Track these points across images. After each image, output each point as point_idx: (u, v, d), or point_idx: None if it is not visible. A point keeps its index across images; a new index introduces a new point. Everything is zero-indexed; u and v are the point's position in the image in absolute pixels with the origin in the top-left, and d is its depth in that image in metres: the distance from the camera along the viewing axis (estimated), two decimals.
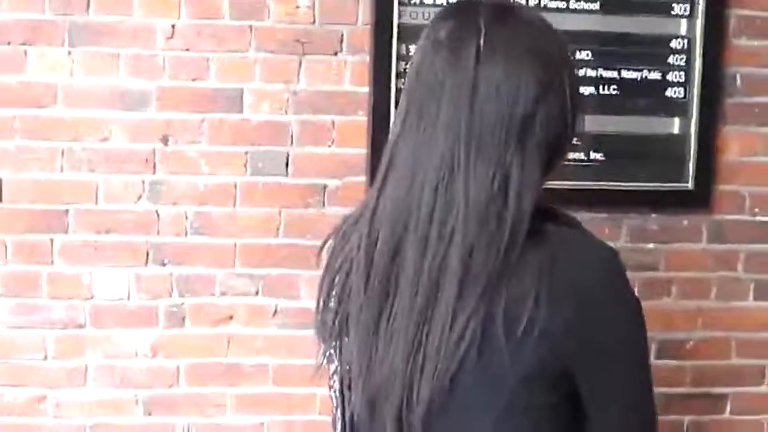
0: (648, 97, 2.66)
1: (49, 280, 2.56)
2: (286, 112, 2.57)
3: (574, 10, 2.60)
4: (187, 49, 2.53)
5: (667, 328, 2.74)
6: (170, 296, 2.59)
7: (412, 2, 2.55)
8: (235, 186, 2.58)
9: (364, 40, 2.56)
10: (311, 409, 2.65)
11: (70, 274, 2.56)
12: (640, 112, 2.66)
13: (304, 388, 2.61)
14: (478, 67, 1.37)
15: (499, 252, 1.35)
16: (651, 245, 2.73)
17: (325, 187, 2.60)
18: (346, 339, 1.49)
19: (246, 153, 2.57)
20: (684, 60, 2.65)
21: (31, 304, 2.56)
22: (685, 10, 2.64)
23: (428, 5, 2.54)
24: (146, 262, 2.58)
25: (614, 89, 2.63)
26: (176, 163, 2.56)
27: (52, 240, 2.55)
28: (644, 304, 1.46)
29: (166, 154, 2.55)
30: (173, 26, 2.53)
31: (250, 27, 2.54)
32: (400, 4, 2.53)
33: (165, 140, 2.55)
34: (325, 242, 1.58)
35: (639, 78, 2.64)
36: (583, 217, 1.61)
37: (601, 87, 2.62)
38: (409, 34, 2.52)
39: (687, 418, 2.79)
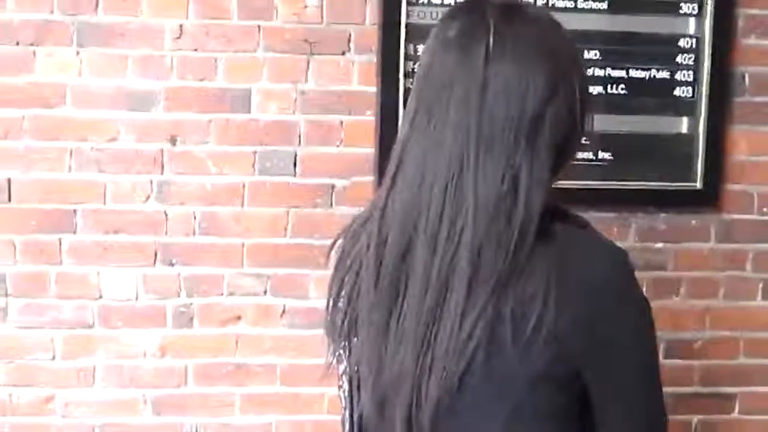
0: (656, 97, 2.65)
1: (58, 280, 2.56)
2: (294, 112, 2.57)
3: (582, 10, 2.60)
4: (195, 50, 2.54)
5: (676, 327, 2.73)
6: (178, 296, 2.60)
7: (420, 2, 2.54)
8: (243, 186, 2.58)
9: (372, 39, 2.56)
10: (319, 408, 2.65)
11: (79, 274, 2.57)
12: (648, 112, 2.65)
13: (312, 387, 2.62)
14: (487, 66, 1.37)
15: (508, 252, 1.35)
16: (659, 245, 2.73)
17: (333, 186, 2.60)
18: (355, 339, 1.49)
19: (254, 153, 2.57)
20: (692, 59, 2.65)
21: (40, 304, 2.57)
22: (693, 9, 2.63)
23: (436, 5, 2.54)
24: (154, 262, 2.58)
25: (622, 88, 2.63)
26: (184, 163, 2.56)
27: (60, 240, 2.55)
28: (652, 303, 1.46)
29: (174, 154, 2.56)
30: (181, 26, 2.53)
31: (258, 27, 2.55)
32: (408, 3, 2.53)
33: (173, 140, 2.55)
34: (334, 242, 1.58)
35: (647, 77, 2.64)
36: (591, 216, 1.61)
37: (609, 86, 2.62)
38: (417, 33, 2.52)
39: (696, 418, 2.79)
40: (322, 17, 2.56)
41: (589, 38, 2.60)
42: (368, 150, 2.59)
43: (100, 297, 2.58)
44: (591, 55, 2.60)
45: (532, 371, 1.36)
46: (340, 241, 1.56)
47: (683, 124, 2.68)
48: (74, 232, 2.55)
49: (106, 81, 2.52)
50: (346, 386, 1.55)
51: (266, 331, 2.63)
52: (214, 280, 2.60)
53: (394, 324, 1.41)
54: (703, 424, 2.80)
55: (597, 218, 2.46)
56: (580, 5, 2.60)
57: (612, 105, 2.62)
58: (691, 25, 2.65)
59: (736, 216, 2.75)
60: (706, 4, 2.63)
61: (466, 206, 1.36)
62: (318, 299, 2.58)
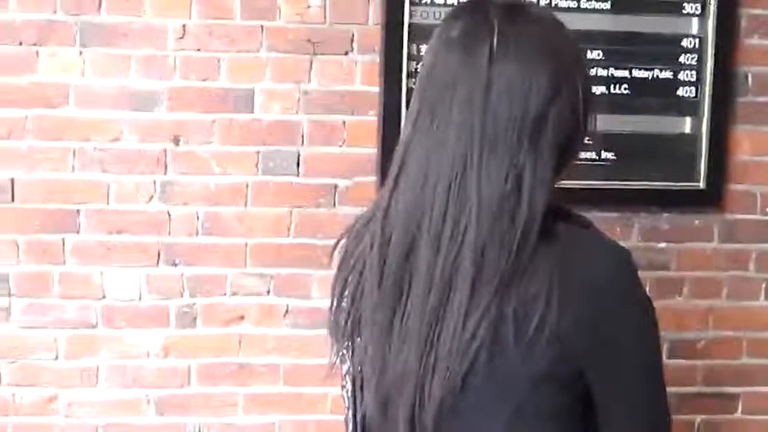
0: (659, 97, 2.65)
1: (61, 280, 2.56)
2: (297, 112, 2.57)
3: (585, 10, 2.60)
4: (198, 50, 2.54)
5: (679, 327, 2.73)
6: (182, 296, 2.60)
7: (423, 2, 2.54)
8: (247, 186, 2.58)
9: (375, 39, 2.56)
10: (322, 408, 2.65)
11: (82, 274, 2.57)
12: (651, 112, 2.65)
13: (315, 387, 2.62)
14: (491, 66, 1.37)
15: (511, 251, 1.35)
16: (662, 244, 2.73)
17: (336, 186, 2.60)
18: (358, 339, 1.49)
19: (257, 153, 2.58)
20: (695, 59, 2.65)
21: (43, 304, 2.57)
22: (696, 9, 2.63)
23: (439, 5, 2.54)
24: (158, 263, 2.58)
25: (625, 88, 2.63)
26: (187, 163, 2.56)
27: (63, 240, 2.55)
28: (655, 303, 1.46)
29: (178, 154, 2.56)
30: (184, 26, 2.53)
31: (261, 27, 2.55)
32: (411, 3, 2.53)
33: (176, 140, 2.55)
34: (337, 242, 1.58)
35: (650, 77, 2.64)
36: (594, 216, 1.61)
37: (612, 86, 2.62)
38: (420, 33, 2.52)
39: (699, 418, 2.79)
40: (325, 17, 2.56)
41: (592, 38, 2.60)
42: (371, 150, 2.59)
43: (104, 297, 2.58)
44: (594, 55, 2.60)
45: (534, 371, 1.36)
46: (343, 241, 1.56)
47: (686, 124, 2.68)
48: (77, 232, 2.55)
49: (109, 81, 2.52)
50: (349, 386, 1.55)
51: (269, 331, 2.63)
52: (217, 280, 2.60)
53: (397, 324, 1.41)
54: (706, 424, 2.80)
55: (600, 218, 2.46)
56: (583, 5, 2.60)
57: (615, 105, 2.62)
58: (694, 25, 2.65)
59: (739, 216, 2.74)
60: (709, 4, 2.63)
61: (469, 206, 1.36)
62: (321, 299, 2.58)
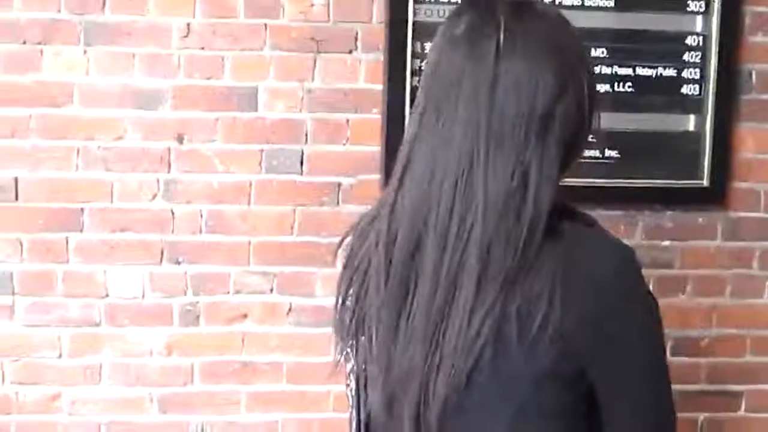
0: (663, 94, 2.65)
1: (65, 279, 2.56)
2: (300, 110, 2.57)
3: (589, 7, 2.60)
4: (202, 48, 2.54)
5: (682, 325, 2.73)
6: (185, 294, 2.60)
7: (427, 0, 2.54)
8: (250, 184, 2.58)
9: (378, 37, 2.56)
10: (325, 406, 2.65)
11: (86, 272, 2.57)
12: (655, 110, 2.65)
13: (318, 385, 2.62)
14: (498, 63, 1.37)
15: (517, 248, 1.35)
16: (666, 242, 2.73)
17: (339, 185, 2.60)
18: (362, 338, 1.49)
19: (261, 151, 2.58)
20: (699, 57, 2.64)
21: (47, 303, 2.57)
22: (700, 7, 2.63)
23: (443, 3, 2.54)
24: (161, 261, 2.58)
25: (629, 86, 2.63)
26: (191, 161, 2.56)
27: (67, 239, 2.55)
28: (659, 301, 1.46)
29: (181, 152, 2.56)
30: (188, 25, 2.53)
31: (265, 25, 2.55)
32: (415, 1, 2.53)
33: (180, 139, 2.55)
34: (342, 240, 1.58)
35: (654, 75, 2.63)
36: (598, 214, 1.61)
37: (616, 84, 2.62)
38: (423, 31, 2.52)
39: (702, 416, 2.79)
40: (328, 15, 2.56)
41: (596, 36, 2.60)
42: (375, 148, 2.59)
43: (107, 295, 2.58)
44: (598, 52, 2.60)
45: (538, 369, 1.35)
46: (348, 240, 1.56)
47: (690, 122, 2.68)
48: (81, 231, 2.55)
49: (113, 80, 2.52)
50: (353, 385, 1.55)
51: (272, 329, 2.63)
52: (220, 278, 2.60)
53: (403, 323, 1.40)
54: (709, 421, 2.80)
55: (604, 216, 2.46)
56: (587, 3, 2.60)
57: (619, 103, 2.62)
58: (698, 23, 2.65)
59: (742, 214, 2.74)
60: (713, 1, 2.63)
61: (475, 203, 1.36)
62: (324, 297, 2.58)
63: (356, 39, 2.57)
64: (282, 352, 2.64)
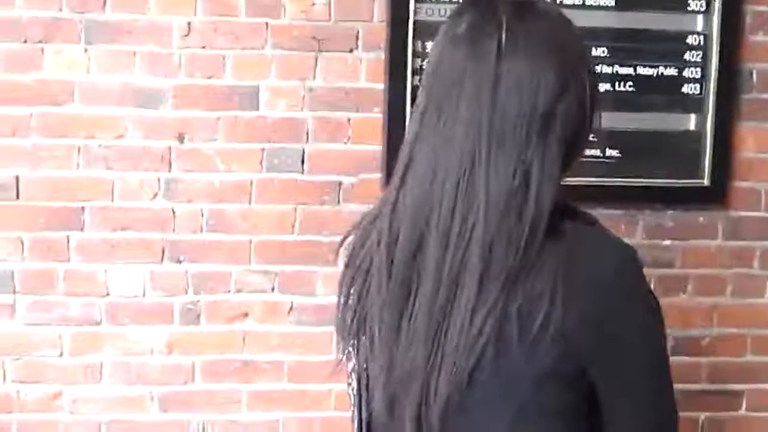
0: (664, 94, 2.65)
1: (66, 277, 2.56)
2: (302, 109, 2.57)
3: (590, 6, 2.60)
4: (203, 47, 2.54)
5: (683, 324, 2.73)
6: (186, 293, 2.60)
7: None
8: (251, 183, 2.58)
9: (380, 36, 2.56)
10: (327, 405, 2.65)
11: (86, 271, 2.57)
12: (656, 109, 2.65)
13: (319, 384, 2.62)
14: (500, 62, 1.37)
15: (519, 247, 1.35)
16: (667, 242, 2.73)
17: (340, 183, 2.60)
18: (364, 338, 1.49)
19: (262, 150, 2.58)
20: (700, 56, 2.64)
21: (48, 301, 2.57)
22: (701, 6, 2.63)
23: (444, 2, 2.54)
24: (162, 260, 2.58)
25: (630, 86, 2.63)
26: (192, 160, 2.56)
27: (68, 237, 2.55)
28: (660, 300, 1.46)
29: (182, 151, 2.56)
30: (189, 24, 2.53)
31: (266, 24, 2.55)
32: (416, 0, 2.53)
33: (181, 138, 2.55)
34: (343, 240, 1.58)
35: (655, 74, 2.63)
36: (598, 213, 1.61)
37: (616, 83, 2.62)
38: (425, 30, 2.52)
39: (703, 415, 2.79)
40: (329, 14, 2.56)
41: (597, 35, 2.60)
42: (376, 147, 2.59)
43: (108, 294, 2.58)
44: (599, 52, 2.60)
45: (539, 369, 1.35)
46: (349, 239, 1.56)
47: (691, 121, 2.68)
48: (82, 230, 2.55)
49: (114, 78, 2.52)
50: (355, 384, 1.55)
51: (273, 328, 2.63)
52: (221, 277, 2.60)
53: (405, 323, 1.40)
54: (710, 421, 2.80)
55: (604, 215, 2.46)
56: (588, 2, 2.60)
57: (620, 102, 2.62)
58: (699, 22, 2.65)
59: (743, 213, 2.74)
60: (714, 0, 2.63)
61: (477, 202, 1.36)
62: (325, 296, 2.58)
63: (357, 38, 2.57)
64: (283, 351, 2.64)
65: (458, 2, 2.42)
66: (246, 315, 2.62)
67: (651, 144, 2.65)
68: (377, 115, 2.59)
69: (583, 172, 2.50)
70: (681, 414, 1.48)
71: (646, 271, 1.44)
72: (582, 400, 1.40)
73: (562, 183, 1.42)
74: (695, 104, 2.66)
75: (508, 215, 1.35)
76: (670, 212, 2.72)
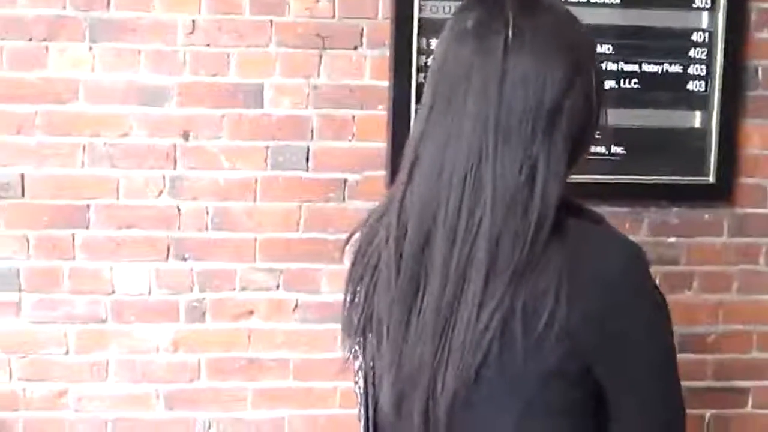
0: (669, 91, 2.65)
1: (71, 275, 2.57)
2: (306, 107, 2.57)
3: (595, 4, 2.59)
4: (208, 45, 2.54)
5: (689, 322, 2.73)
6: (191, 291, 2.60)
7: None
8: (256, 181, 2.58)
9: (384, 34, 2.56)
10: (332, 403, 2.65)
11: (92, 269, 2.57)
12: (661, 106, 2.65)
13: (324, 382, 2.62)
14: (506, 58, 1.37)
15: (525, 243, 1.34)
16: (672, 239, 2.72)
17: (345, 181, 2.60)
18: (370, 335, 1.49)
19: (266, 148, 2.58)
20: (705, 53, 2.64)
21: (53, 299, 2.57)
22: (706, 3, 2.63)
23: None
24: (167, 257, 2.59)
25: (635, 83, 2.63)
26: (197, 158, 2.56)
27: (73, 235, 2.56)
28: (665, 297, 1.46)
29: (187, 149, 2.56)
30: (193, 22, 2.53)
31: (270, 22, 2.55)
32: None
33: (185, 135, 2.55)
34: (350, 237, 1.58)
35: (660, 71, 2.63)
36: (603, 210, 1.61)
37: (621, 80, 2.62)
38: (429, 28, 2.52)
39: (709, 412, 2.79)
40: (334, 12, 2.56)
41: (602, 32, 2.60)
42: (380, 144, 2.59)
43: (113, 292, 2.58)
44: (604, 49, 2.59)
45: (543, 367, 1.35)
46: (356, 236, 1.56)
47: (696, 118, 2.67)
48: (87, 228, 2.56)
49: (119, 76, 2.52)
50: (361, 382, 1.54)
51: (279, 325, 2.63)
52: (226, 274, 2.60)
53: (414, 319, 1.40)
54: (716, 418, 2.80)
55: (610, 212, 2.46)
56: None
57: (625, 99, 2.62)
58: (704, 19, 2.64)
59: (749, 210, 2.74)
60: None
61: (484, 197, 1.35)
62: (330, 294, 2.58)
63: (362, 35, 2.57)
64: (288, 349, 2.64)
65: None
66: (251, 313, 2.62)
67: (656, 141, 2.65)
68: (382, 113, 2.59)
69: (588, 170, 2.48)
70: (687, 411, 1.48)
71: (651, 268, 1.44)
72: (589, 397, 1.40)
73: (567, 180, 1.41)
74: (700, 101, 2.66)
75: (515, 210, 1.35)
76: (675, 209, 2.72)
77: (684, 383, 1.46)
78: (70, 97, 2.52)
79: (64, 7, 2.49)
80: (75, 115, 2.52)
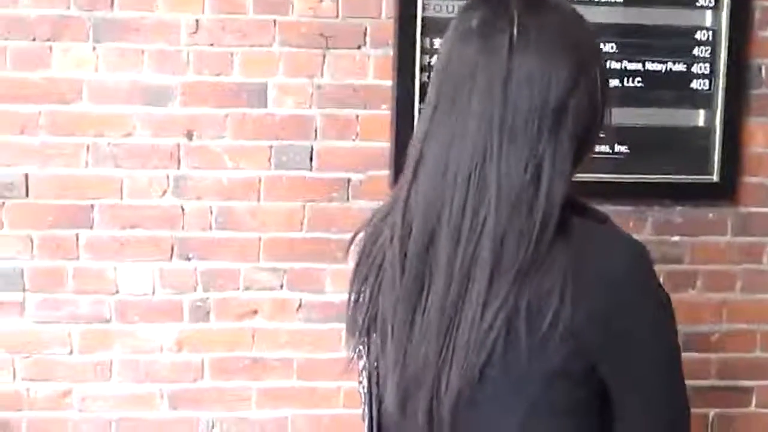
0: (673, 89, 2.65)
1: (75, 275, 2.57)
2: (310, 106, 2.57)
3: (598, 2, 2.59)
4: (211, 44, 2.54)
5: (692, 321, 2.73)
6: (195, 291, 2.60)
7: None
8: (260, 180, 2.58)
9: (388, 33, 2.56)
10: (336, 402, 2.65)
11: (96, 269, 2.57)
12: (664, 104, 2.65)
13: (328, 382, 2.62)
14: (511, 57, 1.37)
15: (530, 242, 1.34)
16: (676, 238, 2.72)
17: (349, 180, 2.60)
18: (375, 335, 1.49)
19: (270, 147, 2.58)
20: (709, 52, 2.64)
21: (57, 299, 2.57)
22: (710, 2, 2.63)
23: None
24: (171, 257, 2.59)
25: (639, 81, 2.62)
26: (200, 157, 2.56)
27: (77, 235, 2.56)
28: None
29: (191, 149, 2.56)
30: (197, 21, 2.53)
31: (274, 21, 2.55)
32: None
33: (189, 135, 2.56)
34: (354, 236, 1.57)
35: (664, 70, 2.63)
36: (607, 209, 1.61)
37: (625, 79, 2.62)
38: (433, 27, 2.52)
39: (712, 411, 2.78)
40: (337, 11, 2.56)
41: (606, 31, 2.59)
42: (384, 144, 2.59)
43: (117, 292, 2.58)
44: (607, 47, 2.59)
45: (548, 367, 1.35)
46: (360, 236, 1.56)
47: (700, 117, 2.67)
48: (91, 227, 2.56)
49: (123, 76, 2.53)
50: (365, 382, 1.54)
51: (282, 325, 2.64)
52: (230, 274, 2.60)
53: (419, 319, 1.40)
54: (719, 417, 2.80)
55: (613, 211, 2.44)
56: None
57: (628, 98, 2.62)
58: (708, 18, 2.64)
59: (753, 209, 2.74)
60: None
61: (488, 196, 1.35)
62: (334, 293, 2.59)
63: (365, 35, 2.57)
64: (292, 348, 2.64)
65: None
66: (255, 312, 2.62)
67: (660, 140, 2.65)
68: (385, 112, 2.59)
69: (591, 169, 2.49)
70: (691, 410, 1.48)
71: (655, 267, 1.44)
72: (593, 396, 1.40)
73: (572, 179, 1.41)
74: (704, 100, 2.66)
75: (520, 209, 1.35)
76: (679, 208, 2.71)
77: (688, 382, 1.46)
78: (74, 97, 2.52)
79: (68, 7, 2.49)
80: (79, 115, 2.52)
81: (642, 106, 2.63)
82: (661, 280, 1.37)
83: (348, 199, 2.60)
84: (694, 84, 2.65)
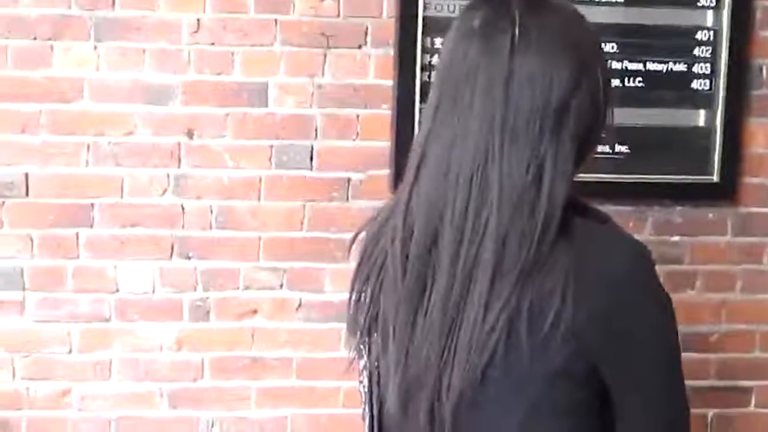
0: (673, 90, 2.65)
1: (75, 274, 2.57)
2: (310, 106, 2.57)
3: (599, 2, 2.59)
4: (212, 44, 2.54)
5: (692, 321, 2.73)
6: (195, 290, 2.60)
7: None
8: (260, 180, 2.58)
9: (388, 33, 2.56)
10: (335, 402, 2.65)
11: (96, 268, 2.57)
12: (665, 105, 2.65)
13: (328, 381, 2.62)
14: (513, 57, 1.37)
15: (532, 242, 1.34)
16: (676, 238, 2.72)
17: (349, 180, 2.60)
18: (376, 335, 1.49)
19: (270, 147, 2.58)
20: (710, 52, 2.64)
21: (57, 298, 2.57)
22: (711, 2, 2.63)
23: None
24: (171, 256, 2.59)
25: (639, 81, 2.62)
26: (201, 157, 2.56)
27: (77, 234, 2.56)
28: None
29: (191, 148, 2.56)
30: (198, 20, 2.53)
31: (275, 21, 2.55)
32: None
33: (190, 134, 2.55)
34: (355, 236, 1.58)
35: (664, 70, 2.63)
36: (607, 209, 1.61)
37: (626, 79, 2.62)
38: (434, 26, 2.52)
39: (711, 412, 2.79)
40: (338, 11, 2.56)
41: (606, 31, 2.59)
42: (384, 144, 2.59)
43: (117, 291, 2.58)
44: (608, 47, 2.59)
45: (549, 368, 1.35)
46: (361, 236, 1.56)
47: (700, 117, 2.67)
48: (91, 226, 2.56)
49: (124, 75, 2.53)
50: (366, 382, 1.54)
51: (282, 324, 2.64)
52: (230, 273, 2.60)
53: (420, 319, 1.40)
54: (719, 417, 2.80)
55: (614, 211, 2.42)
56: None
57: (629, 98, 2.62)
58: (709, 18, 2.64)
59: (753, 209, 2.74)
60: None
61: (491, 197, 1.35)
62: (334, 293, 2.59)
63: (366, 34, 2.57)
64: (291, 348, 2.64)
65: None
66: (255, 312, 2.62)
67: (660, 140, 2.65)
68: (386, 112, 2.59)
69: (592, 168, 2.45)
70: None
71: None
72: (594, 397, 1.40)
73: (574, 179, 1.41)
74: (705, 100, 2.66)
75: (522, 210, 1.35)
76: (679, 208, 2.72)
77: (687, 382, 1.46)
78: (75, 96, 2.52)
79: (69, 6, 2.49)
80: (79, 114, 2.52)
81: (643, 106, 2.63)
82: (661, 280, 1.37)
83: (348, 198, 2.60)
84: (695, 84, 2.65)
